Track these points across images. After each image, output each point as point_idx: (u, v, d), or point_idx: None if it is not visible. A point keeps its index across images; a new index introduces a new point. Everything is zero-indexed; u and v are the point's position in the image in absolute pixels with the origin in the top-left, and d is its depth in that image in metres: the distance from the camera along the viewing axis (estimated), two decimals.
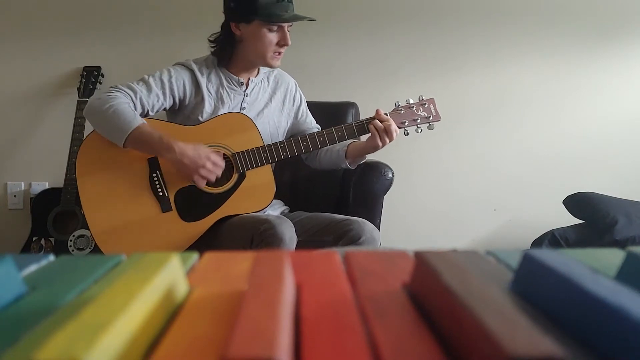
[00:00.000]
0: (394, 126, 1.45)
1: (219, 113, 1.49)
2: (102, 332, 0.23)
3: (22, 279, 0.37)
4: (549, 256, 0.33)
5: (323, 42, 2.26)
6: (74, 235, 2.02)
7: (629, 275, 0.35)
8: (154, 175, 1.43)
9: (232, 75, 1.54)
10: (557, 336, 0.28)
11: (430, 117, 1.53)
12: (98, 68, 2.20)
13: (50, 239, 2.05)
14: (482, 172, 2.33)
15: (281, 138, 1.61)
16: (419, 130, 1.53)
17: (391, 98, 1.67)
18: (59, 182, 2.12)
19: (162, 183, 1.43)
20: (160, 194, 1.42)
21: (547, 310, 0.31)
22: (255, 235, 1.29)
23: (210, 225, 1.44)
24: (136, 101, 1.41)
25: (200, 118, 1.48)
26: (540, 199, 2.32)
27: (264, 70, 1.61)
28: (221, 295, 0.34)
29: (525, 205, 2.34)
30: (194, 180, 1.39)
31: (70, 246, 2.02)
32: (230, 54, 1.52)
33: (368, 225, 1.40)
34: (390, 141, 1.45)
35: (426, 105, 1.53)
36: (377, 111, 1.47)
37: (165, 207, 1.42)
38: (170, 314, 0.31)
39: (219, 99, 1.51)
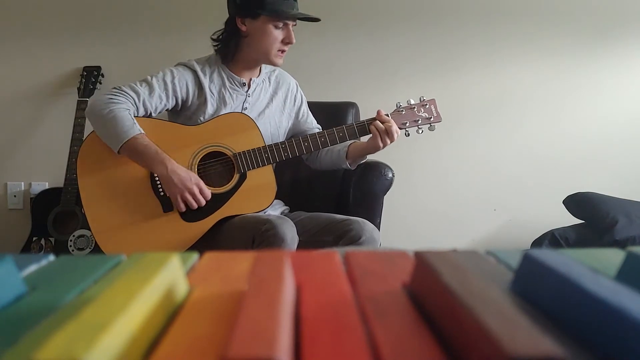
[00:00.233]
0: (394, 127, 1.45)
1: (221, 113, 1.49)
2: (102, 332, 0.23)
3: (22, 279, 0.37)
4: (549, 256, 0.33)
5: (323, 42, 2.26)
6: (74, 235, 2.02)
7: (629, 275, 0.35)
8: (156, 175, 1.43)
9: (235, 75, 1.54)
10: (557, 336, 0.28)
11: (431, 118, 1.53)
12: (98, 68, 2.20)
13: (50, 239, 2.05)
14: (482, 172, 2.33)
15: (282, 138, 1.61)
16: (420, 131, 1.53)
17: (391, 98, 1.67)
18: (59, 182, 2.12)
19: None
20: (162, 193, 1.42)
21: (547, 310, 0.31)
22: (257, 236, 1.29)
23: (211, 226, 1.44)
24: (139, 104, 1.41)
25: (202, 118, 1.48)
26: (540, 199, 2.32)
27: (265, 70, 1.62)
28: (221, 295, 0.34)
29: (525, 205, 2.34)
30: (175, 201, 1.38)
31: (70, 246, 2.02)
32: (234, 51, 1.52)
33: (368, 225, 1.40)
34: (391, 142, 1.45)
35: (427, 106, 1.53)
36: (378, 112, 1.47)
37: (166, 207, 1.42)
38: (170, 314, 0.31)
39: (221, 100, 1.51)
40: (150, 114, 1.45)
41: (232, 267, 0.41)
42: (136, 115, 1.41)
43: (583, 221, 2.03)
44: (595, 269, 0.38)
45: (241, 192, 1.46)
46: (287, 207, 1.66)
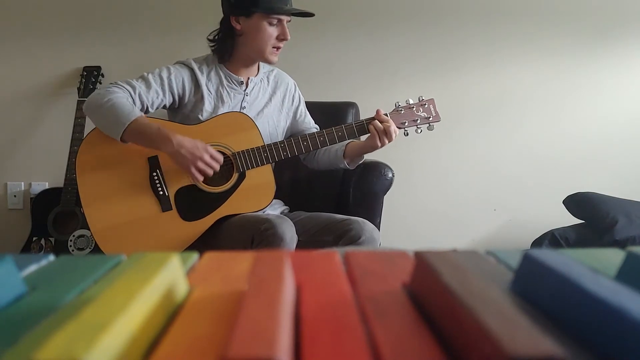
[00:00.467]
0: (393, 127, 1.45)
1: (219, 112, 1.50)
2: (102, 332, 0.23)
3: (22, 279, 0.37)
4: (549, 256, 0.33)
5: (323, 42, 2.26)
6: (74, 235, 2.02)
7: (629, 275, 0.35)
8: (154, 174, 1.43)
9: (232, 74, 1.54)
10: (557, 336, 0.28)
11: (430, 117, 1.53)
12: (98, 68, 2.20)
13: (50, 239, 2.05)
14: (482, 172, 2.33)
15: (280, 138, 1.61)
16: (419, 131, 1.53)
17: (391, 98, 1.67)
18: (59, 182, 2.12)
19: (162, 182, 1.43)
20: (161, 193, 1.42)
21: (547, 310, 0.31)
22: (256, 235, 1.29)
23: (210, 225, 1.44)
24: (135, 97, 1.41)
25: (200, 117, 1.48)
26: (540, 199, 2.32)
27: (263, 70, 1.62)
28: (221, 295, 0.34)
29: (525, 205, 2.34)
30: (190, 173, 1.37)
31: (70, 246, 2.02)
32: (230, 50, 1.52)
33: (368, 225, 1.40)
34: (389, 142, 1.45)
35: (426, 106, 1.53)
36: (377, 111, 1.47)
37: (165, 206, 1.42)
38: (170, 314, 0.31)
39: (219, 98, 1.51)
40: (147, 109, 1.45)
41: (232, 267, 0.41)
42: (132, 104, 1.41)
43: (583, 221, 2.03)
44: (595, 269, 0.38)
45: (240, 191, 1.46)
46: (286, 207, 1.66)
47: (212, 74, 1.53)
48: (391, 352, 0.25)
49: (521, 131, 2.32)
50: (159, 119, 1.45)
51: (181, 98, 1.50)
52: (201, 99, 1.49)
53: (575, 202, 2.02)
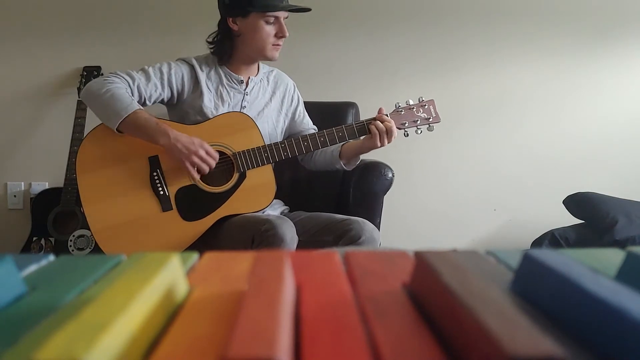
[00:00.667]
0: (394, 127, 1.45)
1: (220, 110, 1.50)
2: (102, 332, 0.23)
3: (22, 279, 0.37)
4: (549, 256, 0.33)
5: (323, 42, 2.27)
6: (74, 235, 2.02)
7: (629, 275, 0.35)
8: (155, 173, 1.43)
9: (232, 73, 1.54)
10: (557, 336, 0.28)
11: (430, 118, 1.53)
12: (98, 68, 2.20)
13: (50, 239, 2.05)
14: (482, 172, 2.33)
15: (280, 138, 1.61)
16: (419, 132, 1.53)
17: (391, 98, 1.67)
18: (59, 182, 2.12)
19: (162, 182, 1.43)
20: (161, 192, 1.42)
21: (547, 310, 0.31)
22: (256, 236, 1.29)
23: (210, 225, 1.44)
24: (134, 88, 1.42)
25: (200, 113, 1.48)
26: (540, 199, 2.32)
27: (263, 70, 1.62)
28: (221, 295, 0.34)
29: (525, 205, 2.34)
30: (185, 168, 1.38)
31: (70, 246, 2.02)
32: (229, 51, 1.52)
33: (368, 225, 1.40)
34: (389, 142, 1.45)
35: (426, 107, 1.53)
36: (379, 110, 1.48)
37: (165, 206, 1.42)
38: (170, 314, 0.31)
39: (219, 97, 1.52)
40: (145, 101, 1.45)
41: (232, 267, 0.41)
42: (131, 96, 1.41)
43: (583, 221, 2.03)
44: (595, 269, 0.38)
45: (240, 191, 1.46)
46: (286, 207, 1.66)
47: (212, 72, 1.53)
48: (391, 352, 0.25)
49: (521, 131, 2.32)
50: (159, 119, 1.45)
51: (180, 94, 1.50)
52: (200, 96, 1.49)
53: (575, 202, 2.02)
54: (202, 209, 1.44)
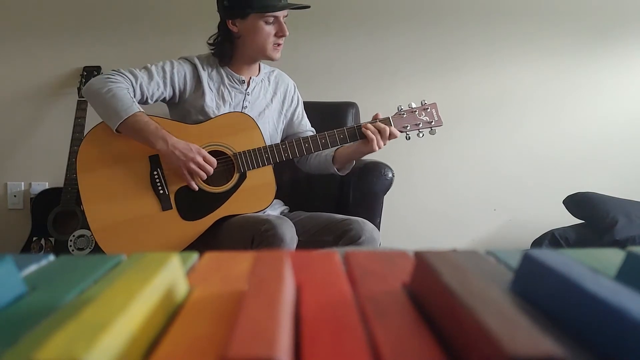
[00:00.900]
0: (387, 128, 1.44)
1: (221, 110, 1.50)
2: (102, 332, 0.23)
3: (22, 279, 0.37)
4: (549, 256, 0.33)
5: (323, 42, 2.26)
6: (74, 235, 2.02)
7: (629, 275, 0.35)
8: (155, 173, 1.43)
9: (234, 73, 1.54)
10: (557, 336, 0.28)
11: (432, 122, 1.53)
12: (98, 68, 2.20)
13: (50, 239, 2.05)
14: (482, 172, 2.33)
15: (279, 139, 1.61)
16: (421, 135, 1.53)
17: (391, 98, 1.68)
18: (59, 182, 2.12)
19: (162, 181, 1.43)
20: (161, 192, 1.42)
21: (547, 310, 0.31)
22: (256, 236, 1.29)
23: (210, 225, 1.44)
24: (136, 87, 1.42)
25: (201, 112, 1.48)
26: (540, 199, 2.32)
27: (264, 70, 1.62)
28: (221, 295, 0.34)
29: (525, 205, 2.34)
30: (182, 174, 1.38)
31: (70, 246, 2.02)
32: (230, 52, 1.52)
33: (368, 225, 1.40)
34: (384, 144, 1.45)
35: (428, 110, 1.53)
36: (375, 116, 1.48)
37: (165, 205, 1.42)
38: (170, 314, 0.31)
39: (220, 97, 1.52)
40: (147, 100, 1.46)
41: (232, 267, 0.41)
42: (133, 97, 1.41)
43: (583, 221, 2.03)
44: (595, 269, 0.38)
45: (241, 191, 1.46)
46: (286, 207, 1.66)
47: (214, 72, 1.53)
48: (391, 352, 0.25)
49: (521, 131, 2.32)
50: (160, 118, 1.45)
51: (182, 93, 1.50)
52: (202, 95, 1.49)
53: (575, 202, 2.02)
54: (202, 209, 1.44)
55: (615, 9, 2.28)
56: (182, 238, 1.43)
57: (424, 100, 1.54)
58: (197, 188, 1.42)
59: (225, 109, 1.51)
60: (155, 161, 1.43)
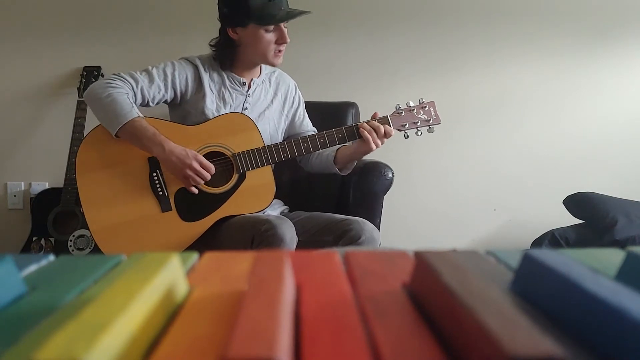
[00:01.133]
0: (382, 126, 1.44)
1: (222, 112, 1.50)
2: (102, 332, 0.23)
3: (22, 279, 0.37)
4: (549, 256, 0.33)
5: (323, 42, 2.27)
6: (74, 235, 2.02)
7: (629, 275, 0.35)
8: (154, 174, 1.43)
9: (235, 75, 1.54)
10: (557, 336, 0.28)
11: (430, 120, 1.53)
12: (98, 68, 2.20)
13: (50, 239, 2.05)
14: (482, 172, 2.33)
15: (280, 139, 1.61)
16: (419, 133, 1.53)
17: (391, 98, 1.68)
18: (59, 182, 2.12)
19: (162, 182, 1.43)
20: (160, 193, 1.42)
21: (547, 310, 0.31)
22: (256, 236, 1.29)
23: (209, 226, 1.44)
24: (137, 91, 1.41)
25: (202, 114, 1.48)
26: (540, 199, 2.32)
27: (265, 71, 1.62)
28: (221, 295, 0.34)
29: (525, 205, 2.34)
30: (181, 180, 1.39)
31: (70, 246, 2.02)
32: (231, 57, 1.52)
33: (368, 225, 1.40)
34: (382, 143, 1.45)
35: (426, 108, 1.53)
36: (373, 115, 1.48)
37: (165, 206, 1.42)
38: (170, 314, 0.31)
39: (221, 98, 1.51)
40: (148, 103, 1.46)
41: (232, 267, 0.41)
42: (134, 102, 1.41)
43: (583, 221, 2.03)
44: (595, 269, 0.38)
45: (240, 192, 1.46)
46: (286, 207, 1.66)
47: (215, 74, 1.53)
48: (391, 352, 0.25)
49: (521, 131, 2.32)
50: (160, 119, 1.45)
51: (183, 94, 1.50)
52: (203, 97, 1.49)
53: (575, 202, 2.02)
54: (202, 210, 1.44)
55: (615, 9, 2.28)
56: (182, 239, 1.43)
57: (422, 99, 1.54)
58: (197, 192, 1.42)
59: (225, 111, 1.50)
60: (154, 163, 1.43)
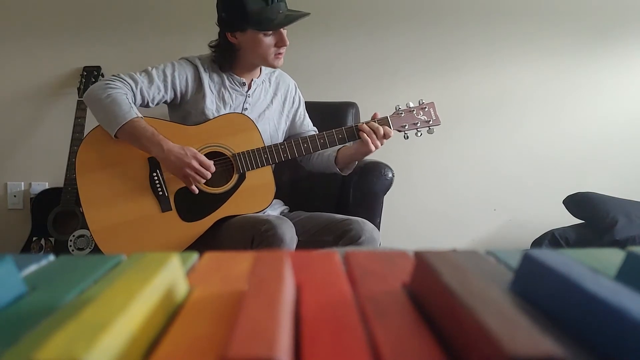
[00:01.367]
0: (381, 128, 1.44)
1: (221, 112, 1.50)
2: (102, 332, 0.23)
3: (22, 279, 0.37)
4: (549, 256, 0.33)
5: (323, 42, 2.27)
6: (74, 235, 2.02)
7: (629, 275, 0.35)
8: (154, 174, 1.43)
9: (235, 75, 1.54)
10: (557, 336, 0.28)
11: (430, 121, 1.53)
12: (98, 68, 2.20)
13: (50, 239, 2.05)
14: (482, 172, 2.33)
15: (281, 139, 1.61)
16: (419, 134, 1.53)
17: (391, 98, 1.68)
18: (59, 182, 2.12)
19: (162, 182, 1.43)
20: (160, 193, 1.42)
21: (547, 310, 0.31)
22: (256, 236, 1.29)
23: (209, 226, 1.44)
24: (136, 91, 1.41)
25: (202, 114, 1.48)
26: (540, 199, 2.32)
27: (265, 71, 1.61)
28: (221, 295, 0.34)
29: (525, 205, 2.34)
30: (180, 178, 1.39)
31: (70, 246, 2.02)
32: (230, 60, 1.52)
33: (368, 225, 1.40)
34: (381, 144, 1.45)
35: (426, 109, 1.53)
36: (373, 115, 1.48)
37: (165, 206, 1.42)
38: (170, 314, 0.31)
39: (221, 98, 1.51)
40: (148, 103, 1.45)
41: (232, 267, 0.41)
42: (133, 102, 1.41)
43: (583, 221, 2.03)
44: (595, 269, 0.38)
45: (240, 192, 1.46)
46: (286, 207, 1.66)
47: (215, 74, 1.53)
48: (391, 352, 0.25)
49: (521, 131, 2.32)
50: (159, 120, 1.45)
51: (183, 95, 1.49)
52: (203, 97, 1.49)
53: (575, 202, 2.02)
54: (202, 210, 1.44)
55: (615, 9, 2.28)
56: (182, 239, 1.42)
57: (421, 100, 1.54)
58: (197, 191, 1.42)
59: (225, 111, 1.50)
60: (154, 163, 1.43)
